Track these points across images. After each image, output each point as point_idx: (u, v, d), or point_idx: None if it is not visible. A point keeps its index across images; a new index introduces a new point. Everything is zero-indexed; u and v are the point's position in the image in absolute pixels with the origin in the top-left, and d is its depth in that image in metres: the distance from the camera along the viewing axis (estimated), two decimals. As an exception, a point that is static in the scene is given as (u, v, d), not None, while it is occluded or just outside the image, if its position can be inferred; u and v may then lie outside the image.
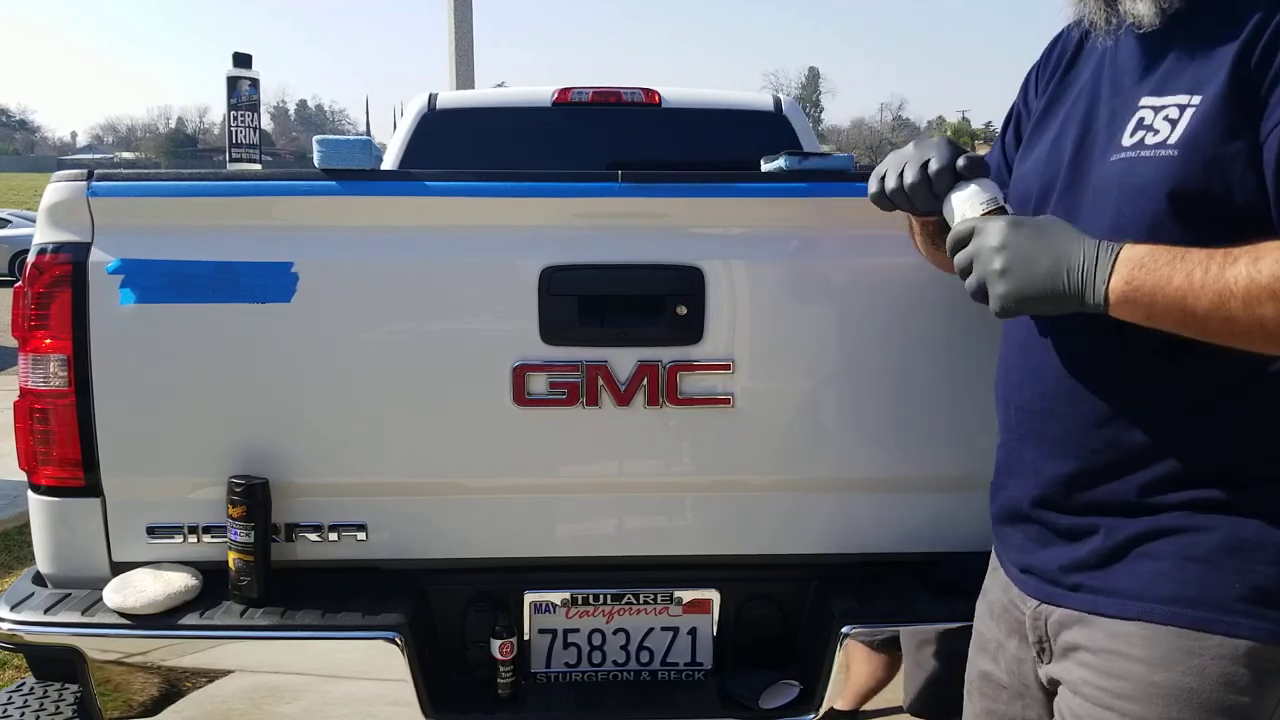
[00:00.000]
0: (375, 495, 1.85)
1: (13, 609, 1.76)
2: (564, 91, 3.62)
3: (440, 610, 1.88)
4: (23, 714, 1.91)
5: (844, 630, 1.75)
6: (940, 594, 1.80)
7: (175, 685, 1.73)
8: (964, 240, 1.16)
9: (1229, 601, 1.08)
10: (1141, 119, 1.12)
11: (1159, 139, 1.09)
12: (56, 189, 1.76)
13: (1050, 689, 1.24)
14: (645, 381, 1.78)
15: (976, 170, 1.20)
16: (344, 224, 1.79)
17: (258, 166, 2.06)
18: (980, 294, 1.14)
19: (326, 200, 1.77)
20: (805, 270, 1.83)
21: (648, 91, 3.66)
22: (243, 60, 2.07)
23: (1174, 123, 1.08)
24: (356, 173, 1.78)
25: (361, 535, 1.85)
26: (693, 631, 1.92)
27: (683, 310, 1.77)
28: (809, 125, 3.86)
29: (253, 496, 1.76)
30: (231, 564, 1.78)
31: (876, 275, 1.81)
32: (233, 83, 2.06)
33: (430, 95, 3.69)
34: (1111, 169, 1.14)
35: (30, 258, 1.76)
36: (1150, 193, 1.08)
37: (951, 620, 1.71)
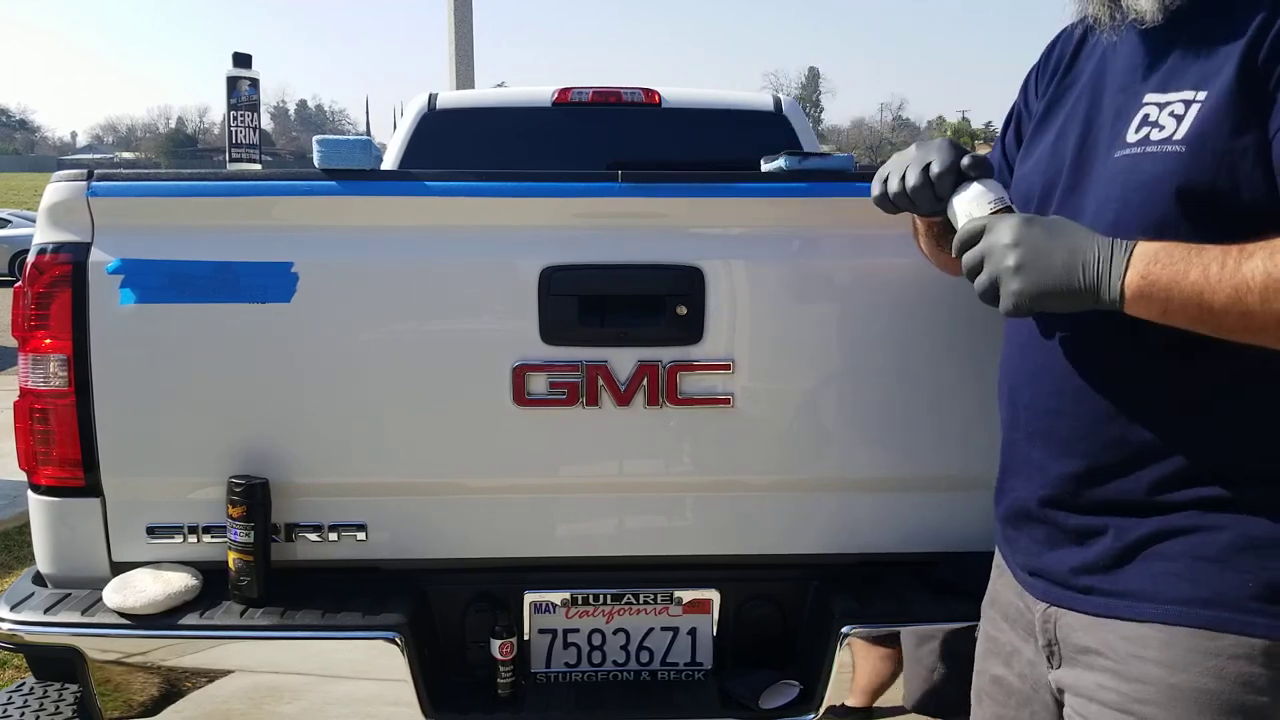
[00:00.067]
0: (375, 495, 1.85)
1: (13, 609, 1.76)
2: (564, 91, 3.62)
3: (440, 610, 1.87)
4: (23, 714, 1.90)
5: (844, 630, 1.75)
6: (940, 594, 1.80)
7: (175, 685, 1.73)
8: (972, 239, 1.14)
9: (1243, 600, 1.07)
10: (1146, 115, 1.11)
11: (1165, 135, 1.08)
12: (56, 189, 1.76)
13: (1058, 697, 1.22)
14: (645, 381, 1.78)
15: (981, 170, 1.19)
16: (344, 224, 1.79)
17: (258, 166, 2.06)
18: (990, 293, 1.12)
19: (326, 200, 1.78)
20: (805, 270, 1.83)
21: (648, 91, 3.65)
22: (243, 60, 2.07)
23: (1180, 118, 1.08)
24: (356, 173, 1.78)
25: (361, 535, 1.85)
26: (693, 631, 1.92)
27: (683, 310, 1.77)
28: (809, 125, 3.86)
29: (253, 496, 1.76)
30: (231, 564, 1.78)
31: (877, 275, 1.81)
32: (233, 83, 2.06)
33: (430, 95, 3.69)
34: (1116, 165, 1.13)
35: (30, 258, 1.76)
36: (1156, 188, 1.08)
37: (951, 620, 1.71)
